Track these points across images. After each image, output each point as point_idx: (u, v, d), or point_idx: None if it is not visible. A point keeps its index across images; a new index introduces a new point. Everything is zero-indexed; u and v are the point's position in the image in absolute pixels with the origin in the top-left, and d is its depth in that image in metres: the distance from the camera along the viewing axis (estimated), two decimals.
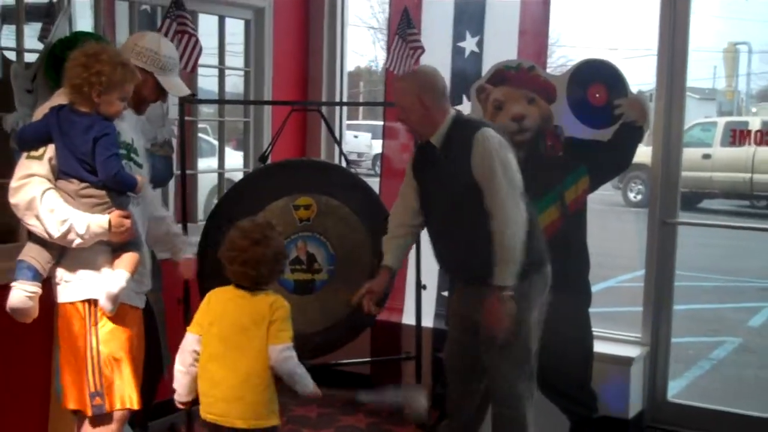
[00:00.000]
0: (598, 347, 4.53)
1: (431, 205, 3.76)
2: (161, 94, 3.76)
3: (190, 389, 3.25)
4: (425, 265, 4.64)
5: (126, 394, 3.26)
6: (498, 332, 3.49)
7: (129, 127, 3.37)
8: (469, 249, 3.62)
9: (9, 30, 4.38)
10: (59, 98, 3.26)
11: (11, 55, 4.14)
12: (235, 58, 5.49)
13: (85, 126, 3.10)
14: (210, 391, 3.16)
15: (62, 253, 3.23)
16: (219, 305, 3.21)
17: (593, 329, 4.51)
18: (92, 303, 3.21)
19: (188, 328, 3.27)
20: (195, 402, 3.27)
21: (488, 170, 3.48)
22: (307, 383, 3.20)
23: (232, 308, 3.18)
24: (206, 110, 6.19)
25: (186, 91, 3.89)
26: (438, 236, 3.79)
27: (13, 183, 3.14)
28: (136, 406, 3.29)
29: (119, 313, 3.23)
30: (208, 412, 3.15)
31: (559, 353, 4.35)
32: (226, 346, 3.14)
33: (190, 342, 3.22)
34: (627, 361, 4.57)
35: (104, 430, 3.28)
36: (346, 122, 6.02)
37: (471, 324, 3.70)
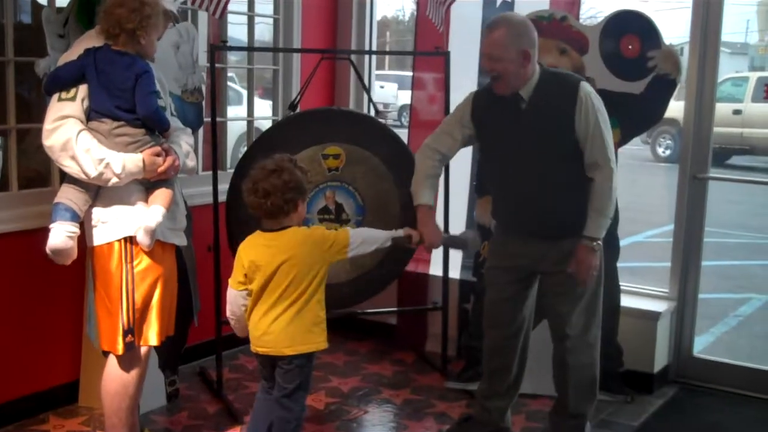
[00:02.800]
0: (625, 302, 4.54)
1: (508, 157, 3.63)
2: None
3: (245, 330, 3.32)
4: (452, 217, 4.64)
5: (150, 332, 3.35)
6: (584, 283, 3.55)
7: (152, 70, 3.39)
8: (554, 203, 3.56)
9: None
10: (90, 40, 3.30)
11: (42, 0, 4.13)
12: (264, 5, 5.45)
13: (126, 64, 3.18)
14: (258, 327, 3.22)
15: (97, 194, 3.27)
16: (252, 254, 3.22)
17: (621, 284, 4.51)
18: (128, 241, 3.26)
19: (230, 283, 3.30)
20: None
21: (594, 126, 3.44)
22: (383, 237, 3.47)
23: (266, 254, 3.19)
24: (233, 58, 6.15)
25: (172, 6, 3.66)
26: (513, 188, 3.68)
27: (47, 125, 3.17)
28: (156, 343, 3.37)
29: (154, 249, 3.28)
30: (258, 345, 3.24)
31: None
32: (270, 291, 3.19)
33: (234, 297, 3.28)
34: (654, 316, 4.56)
35: (133, 372, 3.37)
36: (374, 72, 5.98)
37: (525, 276, 3.73)
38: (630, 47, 4.34)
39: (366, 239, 3.37)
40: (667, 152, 14.28)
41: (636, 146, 12.85)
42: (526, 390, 4.11)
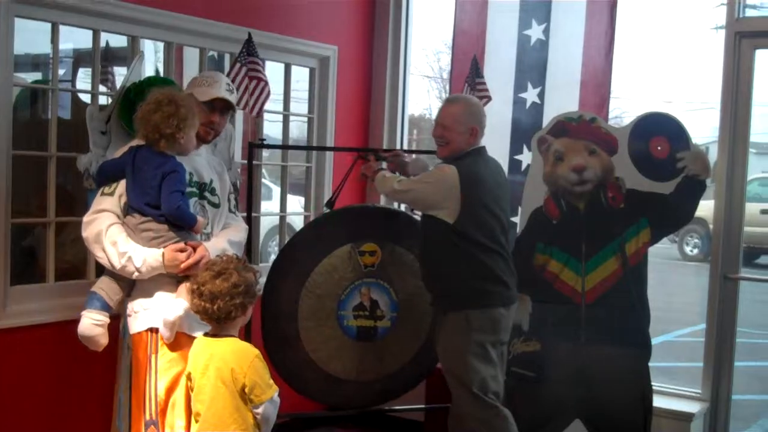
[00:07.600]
0: (658, 402, 4.48)
1: None
2: (210, 112, 3.60)
3: None
4: None
5: (175, 424, 3.31)
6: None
7: (207, 167, 3.56)
8: (428, 270, 4.01)
9: (83, 73, 4.52)
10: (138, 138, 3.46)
11: (85, 98, 4.26)
12: (299, 104, 5.58)
13: (158, 162, 3.31)
14: None
15: (132, 285, 3.37)
16: (193, 357, 3.16)
17: (653, 384, 4.46)
18: (154, 331, 3.33)
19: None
20: None
21: None
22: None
23: (201, 360, 3.11)
24: (265, 154, 6.26)
25: (218, 93, 3.64)
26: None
27: (86, 218, 3.35)
28: None
29: (179, 342, 3.32)
30: None
31: (618, 406, 4.32)
32: (197, 400, 3.10)
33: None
34: (687, 417, 4.50)
35: None
36: None
37: None
38: (659, 148, 4.39)
39: (270, 418, 3.14)
40: (695, 251, 14.21)
41: (663, 245, 12.75)
42: None
